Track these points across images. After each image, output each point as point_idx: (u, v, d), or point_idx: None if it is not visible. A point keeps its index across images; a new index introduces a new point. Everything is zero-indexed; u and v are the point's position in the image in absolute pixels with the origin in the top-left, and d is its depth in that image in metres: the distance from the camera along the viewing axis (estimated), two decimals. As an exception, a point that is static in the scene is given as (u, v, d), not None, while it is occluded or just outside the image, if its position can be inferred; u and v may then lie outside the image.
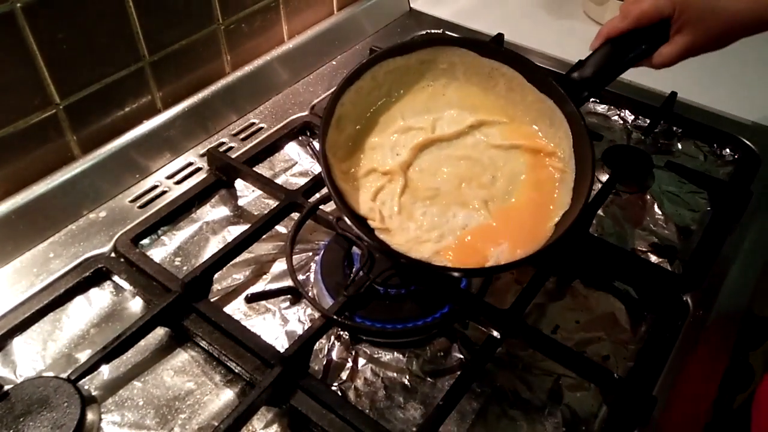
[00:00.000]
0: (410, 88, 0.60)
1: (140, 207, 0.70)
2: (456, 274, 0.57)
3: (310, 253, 0.66)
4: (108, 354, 0.53)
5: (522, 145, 0.57)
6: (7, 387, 0.51)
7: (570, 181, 0.54)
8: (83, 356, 0.56)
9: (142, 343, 0.56)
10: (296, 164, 0.78)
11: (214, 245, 0.67)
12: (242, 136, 0.80)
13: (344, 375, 0.55)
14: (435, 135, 0.58)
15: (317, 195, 0.68)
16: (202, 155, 0.76)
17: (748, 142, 0.78)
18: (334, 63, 0.94)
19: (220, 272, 0.62)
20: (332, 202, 0.67)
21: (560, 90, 0.55)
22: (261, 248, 0.66)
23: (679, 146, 0.80)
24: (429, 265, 0.52)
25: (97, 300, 0.61)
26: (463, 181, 0.56)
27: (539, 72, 0.56)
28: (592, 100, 0.87)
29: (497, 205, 0.55)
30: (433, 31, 1.00)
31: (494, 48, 0.59)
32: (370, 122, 0.59)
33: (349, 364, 0.56)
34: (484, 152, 0.58)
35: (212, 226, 0.69)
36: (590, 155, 0.53)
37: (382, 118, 0.59)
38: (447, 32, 1.00)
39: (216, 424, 0.49)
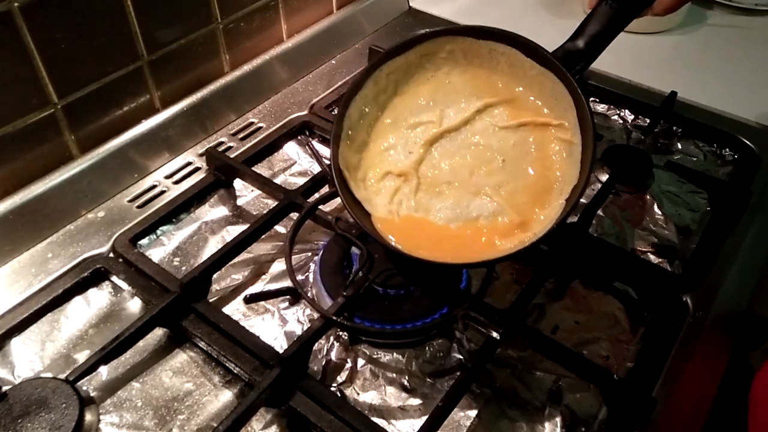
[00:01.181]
0: (415, 83, 0.60)
1: (139, 207, 0.70)
2: (471, 265, 0.57)
3: (309, 254, 0.66)
4: (106, 355, 0.53)
5: (529, 122, 0.57)
6: (5, 388, 0.50)
7: (578, 153, 0.54)
8: (82, 357, 0.56)
9: (141, 343, 0.56)
10: (295, 164, 0.77)
11: (213, 245, 0.67)
12: (241, 135, 0.80)
13: (343, 376, 0.55)
14: (443, 127, 0.58)
15: (316, 195, 0.68)
16: (201, 155, 0.76)
17: (747, 142, 0.78)
18: (333, 62, 0.94)
19: (218, 272, 0.61)
20: (332, 201, 0.67)
21: (557, 63, 0.55)
22: (260, 248, 0.66)
23: (679, 146, 0.80)
24: (442, 263, 0.52)
25: (96, 300, 0.61)
26: (475, 170, 0.56)
27: (535, 47, 0.56)
28: (591, 99, 0.87)
29: (509, 189, 0.55)
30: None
31: (488, 30, 0.58)
32: (380, 125, 0.59)
33: (349, 365, 0.56)
34: (493, 136, 0.57)
35: (211, 226, 0.69)
36: (591, 125, 0.52)
37: (392, 118, 0.59)
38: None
39: (215, 425, 0.49)
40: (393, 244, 0.54)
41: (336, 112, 0.58)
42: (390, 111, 0.59)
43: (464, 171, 0.56)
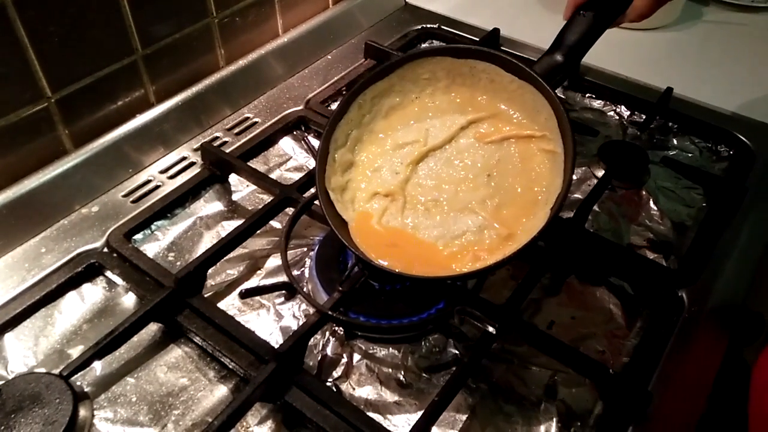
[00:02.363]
0: (399, 105, 0.61)
1: (133, 202, 0.69)
2: (456, 278, 0.57)
3: (305, 249, 0.65)
4: (100, 350, 0.53)
5: (512, 135, 0.58)
6: (-2, 383, 0.50)
7: (561, 162, 0.54)
8: (75, 352, 0.55)
9: (135, 338, 0.56)
10: (291, 159, 0.77)
11: (207, 240, 0.66)
12: (236, 130, 0.79)
13: (339, 371, 0.55)
14: (428, 146, 0.59)
15: (312, 190, 0.68)
16: (196, 150, 0.76)
17: (743, 138, 0.78)
18: (329, 57, 0.93)
19: (214, 267, 0.61)
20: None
21: (534, 75, 0.55)
22: (255, 243, 0.65)
23: (675, 142, 0.80)
24: (425, 278, 0.53)
25: (90, 295, 0.60)
26: (460, 186, 0.57)
27: (512, 61, 0.57)
28: (587, 95, 0.87)
29: (495, 203, 0.55)
30: (428, 26, 1.00)
31: (466, 48, 0.60)
32: (366, 147, 0.60)
33: (344, 360, 0.56)
34: (477, 152, 0.58)
35: (206, 221, 0.68)
36: (570, 133, 0.53)
37: (378, 140, 0.60)
38: (442, 27, 1.00)
39: (210, 420, 0.48)
40: (378, 261, 0.54)
41: (322, 136, 0.59)
42: (376, 133, 0.61)
43: (450, 188, 0.57)
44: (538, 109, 0.56)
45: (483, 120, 0.59)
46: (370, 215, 0.57)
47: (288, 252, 0.62)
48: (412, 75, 0.61)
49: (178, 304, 0.57)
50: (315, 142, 0.78)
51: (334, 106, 0.84)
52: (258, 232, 0.64)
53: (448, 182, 0.58)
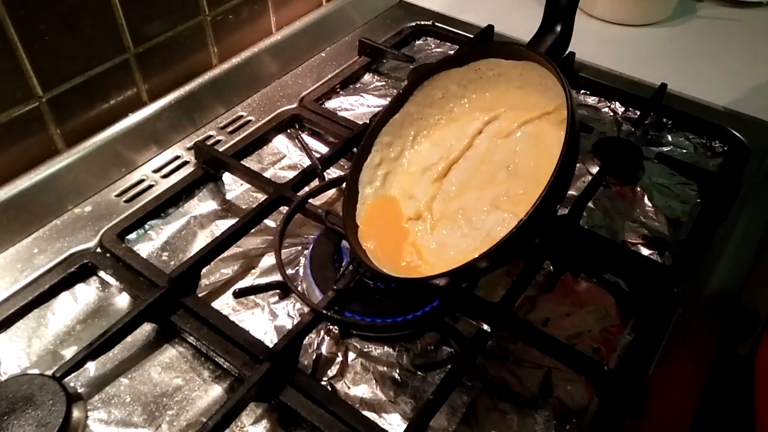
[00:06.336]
0: (425, 129, 0.62)
1: (126, 201, 0.69)
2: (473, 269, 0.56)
3: (299, 248, 0.65)
4: (94, 350, 0.52)
5: (529, 118, 0.57)
6: (-10, 385, 0.50)
7: None
8: (69, 353, 0.55)
9: (129, 339, 0.56)
10: (285, 157, 0.77)
11: (201, 240, 0.66)
12: (230, 129, 0.79)
13: (334, 370, 0.55)
14: (451, 158, 0.59)
15: (306, 188, 0.68)
16: (189, 148, 0.75)
17: (737, 134, 0.78)
18: (323, 55, 0.93)
19: (207, 267, 0.61)
20: (321, 195, 0.68)
21: (527, 50, 0.55)
22: (249, 242, 0.65)
23: (669, 138, 0.80)
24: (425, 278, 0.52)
25: (83, 296, 0.60)
26: (483, 188, 0.57)
27: (504, 45, 0.58)
28: (582, 92, 0.87)
29: (517, 194, 0.55)
30: (422, 22, 1.00)
31: (464, 53, 0.60)
32: (397, 180, 0.61)
33: (339, 359, 0.56)
34: (498, 149, 0.58)
35: (200, 221, 0.68)
36: (568, 90, 0.51)
37: (408, 169, 0.61)
38: (436, 23, 0.99)
39: (204, 420, 0.48)
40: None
41: (347, 181, 0.60)
42: (405, 164, 0.61)
43: (473, 193, 0.57)
44: (544, 81, 0.56)
45: (498, 116, 0.59)
46: (386, 201, 0.58)
47: (282, 251, 0.61)
48: (427, 99, 0.61)
49: (172, 304, 0.57)
50: (309, 140, 0.78)
51: (328, 104, 0.84)
52: (252, 231, 0.64)
53: (472, 188, 0.57)
